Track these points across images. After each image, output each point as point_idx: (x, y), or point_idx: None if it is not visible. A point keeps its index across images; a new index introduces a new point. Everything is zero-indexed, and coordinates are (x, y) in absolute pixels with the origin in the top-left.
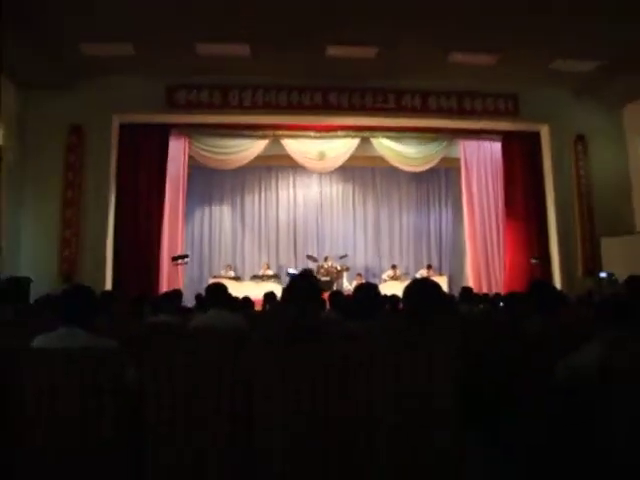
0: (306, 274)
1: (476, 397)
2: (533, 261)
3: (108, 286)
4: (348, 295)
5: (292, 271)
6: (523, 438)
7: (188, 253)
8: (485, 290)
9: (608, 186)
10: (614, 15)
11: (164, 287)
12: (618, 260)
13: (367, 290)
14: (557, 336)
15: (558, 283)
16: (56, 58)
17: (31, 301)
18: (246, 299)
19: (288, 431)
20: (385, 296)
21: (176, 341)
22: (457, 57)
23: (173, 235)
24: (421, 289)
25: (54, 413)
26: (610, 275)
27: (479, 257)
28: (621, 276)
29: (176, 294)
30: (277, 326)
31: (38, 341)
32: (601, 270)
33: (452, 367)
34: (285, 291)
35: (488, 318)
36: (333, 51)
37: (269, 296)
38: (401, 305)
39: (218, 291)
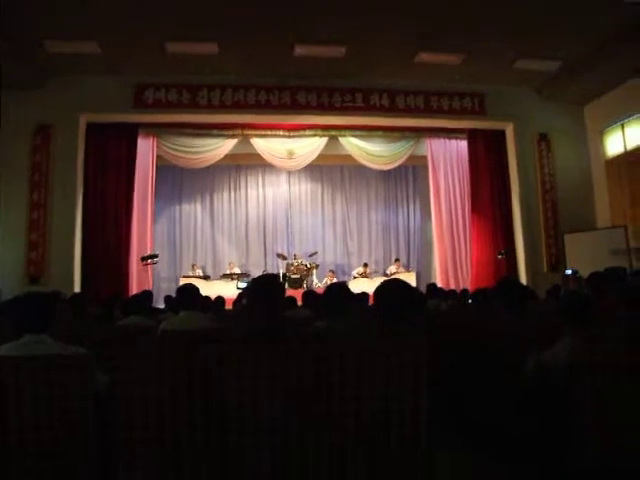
0: (266, 276)
1: (446, 395)
2: (499, 256)
3: (77, 288)
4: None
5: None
6: (493, 432)
7: (157, 253)
8: (453, 285)
9: (571, 183)
10: (575, 14)
11: (134, 287)
12: (581, 256)
13: (337, 290)
14: (524, 332)
15: (524, 278)
16: (20, 56)
17: None
18: (218, 298)
19: (260, 430)
20: (354, 294)
21: (146, 343)
22: (424, 57)
23: (142, 235)
24: (391, 290)
25: (23, 423)
26: (575, 272)
27: (447, 253)
28: (585, 271)
29: (146, 295)
30: (241, 326)
31: (3, 350)
32: (565, 266)
33: (421, 370)
34: (247, 293)
35: (457, 314)
36: (301, 50)
37: (240, 298)
38: (370, 302)
39: (189, 292)
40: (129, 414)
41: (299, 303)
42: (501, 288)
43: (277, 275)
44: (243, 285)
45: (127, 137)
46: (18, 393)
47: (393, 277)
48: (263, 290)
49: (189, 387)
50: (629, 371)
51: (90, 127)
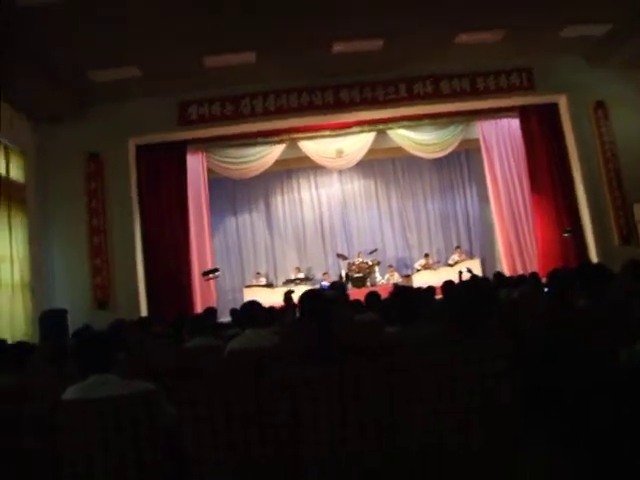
0: (315, 293)
1: (536, 393)
2: (565, 234)
3: (143, 309)
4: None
5: (325, 284)
6: (587, 431)
7: (218, 267)
8: (520, 268)
9: (633, 150)
10: None
11: (199, 303)
12: None
13: (404, 292)
14: (611, 320)
15: (594, 254)
16: (66, 88)
17: (71, 331)
18: (283, 308)
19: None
20: (422, 292)
21: (211, 375)
22: (463, 38)
23: (201, 250)
24: (467, 293)
25: (92, 468)
26: None
27: (510, 236)
28: None
29: (210, 313)
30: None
31: (69, 393)
32: (638, 237)
33: (505, 375)
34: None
35: (533, 304)
36: (339, 47)
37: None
38: (440, 297)
39: (252, 309)
40: (198, 448)
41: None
42: (582, 273)
43: (325, 289)
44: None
45: (176, 155)
46: (83, 437)
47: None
48: (311, 309)
49: (259, 414)
50: None
51: (139, 149)
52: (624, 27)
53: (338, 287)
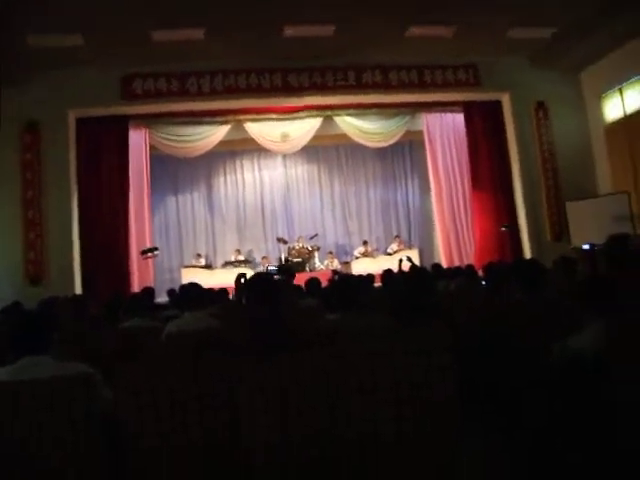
0: (265, 277)
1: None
2: (502, 229)
3: (77, 286)
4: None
5: (272, 268)
6: (522, 424)
7: (157, 246)
8: (457, 260)
9: (570, 151)
10: None
11: (136, 281)
12: (584, 223)
13: (345, 280)
14: (545, 314)
15: (527, 249)
16: (4, 52)
17: None
18: (222, 290)
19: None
20: (361, 282)
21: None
22: (415, 31)
23: (140, 228)
24: (407, 284)
25: (22, 452)
26: (593, 247)
27: (448, 228)
28: (587, 238)
29: (148, 293)
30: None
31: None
32: (569, 235)
33: (448, 368)
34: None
35: (469, 296)
36: (290, 31)
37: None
38: (379, 285)
39: (191, 292)
40: (136, 433)
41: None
42: (517, 268)
43: (274, 274)
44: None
45: (118, 130)
46: (15, 421)
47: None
48: (261, 294)
49: (198, 401)
50: None
51: (80, 122)
52: (568, 32)
53: (286, 271)
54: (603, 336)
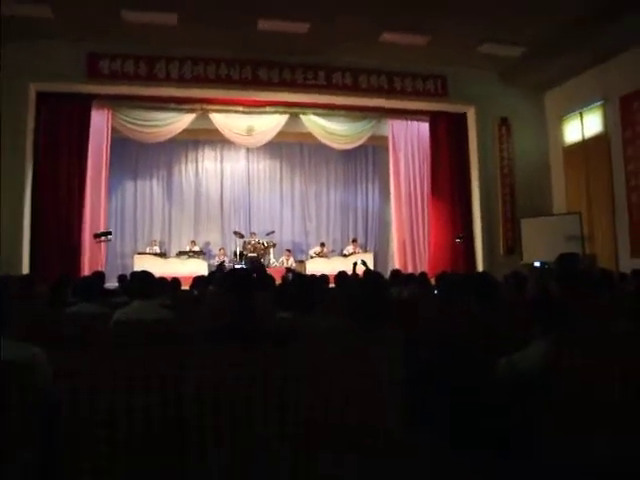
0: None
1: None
2: (457, 240)
3: (25, 266)
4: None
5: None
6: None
7: (111, 230)
8: (410, 267)
9: (529, 169)
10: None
11: (86, 265)
12: (537, 241)
13: (302, 280)
14: (496, 327)
15: (480, 262)
16: None
17: None
18: (174, 280)
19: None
20: (316, 280)
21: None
22: (388, 37)
23: (96, 210)
24: (364, 290)
25: None
26: (544, 265)
27: (405, 235)
28: (539, 256)
29: (99, 277)
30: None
31: None
32: (521, 250)
33: (397, 372)
34: (224, 281)
35: (423, 305)
36: (264, 25)
37: (199, 281)
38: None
39: (142, 280)
40: (76, 421)
41: None
42: (471, 280)
43: (251, 270)
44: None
45: (80, 108)
46: None
47: (357, 266)
48: (238, 285)
49: (146, 393)
50: (599, 374)
51: (41, 96)
52: (537, 52)
53: (257, 267)
54: (545, 354)
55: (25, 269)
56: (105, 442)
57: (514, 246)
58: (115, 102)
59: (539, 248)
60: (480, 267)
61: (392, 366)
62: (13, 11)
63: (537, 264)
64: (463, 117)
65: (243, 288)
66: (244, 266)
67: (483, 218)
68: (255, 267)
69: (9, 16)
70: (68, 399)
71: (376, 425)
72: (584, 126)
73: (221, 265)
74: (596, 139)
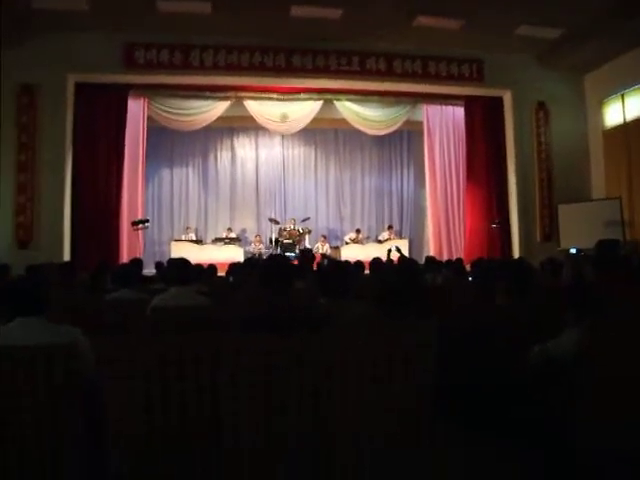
0: (283, 259)
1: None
2: (493, 226)
3: (66, 252)
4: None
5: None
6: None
7: (148, 218)
8: (446, 253)
9: (567, 153)
10: None
11: (124, 252)
12: (575, 227)
13: (339, 267)
14: (529, 316)
15: (517, 248)
16: (4, 12)
17: None
18: (210, 267)
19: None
20: (352, 268)
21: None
22: (423, 20)
23: (133, 198)
24: (399, 276)
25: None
26: (579, 251)
27: (440, 221)
28: (578, 242)
29: (136, 264)
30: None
31: None
32: (559, 237)
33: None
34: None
35: (456, 291)
36: (297, 11)
37: (235, 268)
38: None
39: (180, 267)
40: (117, 406)
41: None
42: (507, 268)
43: (287, 257)
44: (291, 255)
45: (117, 98)
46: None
47: (392, 253)
48: (276, 274)
49: (180, 379)
50: (633, 360)
51: (79, 87)
52: (576, 34)
53: (308, 256)
54: (578, 341)
55: (66, 257)
56: (144, 425)
57: (551, 232)
58: (151, 91)
59: (577, 234)
60: (516, 254)
61: (423, 353)
62: (49, 4)
63: (573, 251)
64: (499, 101)
65: (282, 277)
66: (290, 254)
67: (519, 204)
68: (306, 257)
69: (46, 10)
70: (109, 384)
71: (406, 413)
72: (625, 109)
73: (259, 255)
74: (638, 121)
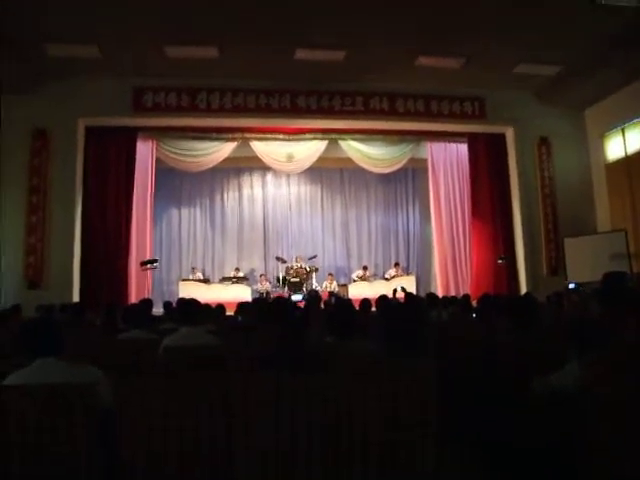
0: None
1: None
2: (499, 261)
3: (75, 292)
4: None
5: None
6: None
7: (157, 258)
8: (453, 289)
9: (571, 187)
10: (573, 23)
11: (133, 292)
12: (581, 260)
13: (344, 307)
14: (532, 349)
15: (524, 282)
16: (19, 59)
17: None
18: (219, 307)
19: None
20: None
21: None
22: (424, 60)
23: (141, 238)
24: (404, 314)
25: (25, 453)
26: (577, 286)
27: (447, 257)
28: (585, 276)
29: (146, 304)
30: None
31: (13, 377)
32: (565, 270)
33: (431, 396)
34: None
35: (461, 327)
36: (302, 54)
37: (243, 307)
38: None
39: (190, 307)
40: (134, 443)
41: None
42: (511, 305)
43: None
44: (299, 298)
45: (126, 141)
46: (23, 422)
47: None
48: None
49: (197, 418)
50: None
51: (89, 131)
52: (574, 70)
53: (314, 298)
54: (579, 376)
55: (75, 297)
56: (159, 459)
57: (558, 266)
58: (159, 133)
59: (584, 267)
60: (524, 288)
61: (425, 390)
62: (64, 52)
63: (572, 286)
64: (502, 137)
65: (289, 319)
66: (297, 296)
67: (525, 238)
68: (312, 298)
69: (59, 57)
70: (125, 421)
71: (408, 447)
72: (626, 142)
73: (266, 294)
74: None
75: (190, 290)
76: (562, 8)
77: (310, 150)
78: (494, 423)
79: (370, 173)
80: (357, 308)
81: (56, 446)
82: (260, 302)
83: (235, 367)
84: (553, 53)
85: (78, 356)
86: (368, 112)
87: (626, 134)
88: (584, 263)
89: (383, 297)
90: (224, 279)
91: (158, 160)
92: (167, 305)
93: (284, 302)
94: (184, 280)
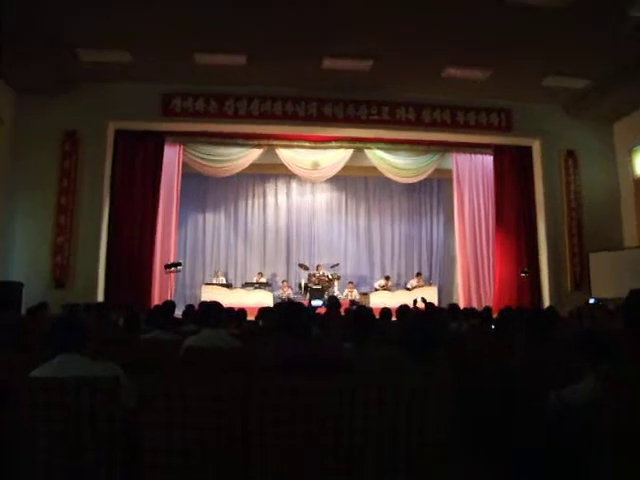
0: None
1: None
2: (522, 274)
3: (100, 293)
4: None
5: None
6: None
7: (181, 261)
8: (475, 301)
9: (597, 201)
10: (603, 37)
11: (156, 295)
12: (606, 275)
13: (365, 315)
14: (549, 363)
15: (547, 297)
16: (54, 64)
17: (24, 305)
18: (241, 311)
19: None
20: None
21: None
22: (451, 71)
23: (166, 242)
24: (422, 324)
25: (52, 445)
26: (598, 301)
27: (469, 269)
28: (610, 292)
29: (169, 307)
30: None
31: (37, 371)
32: (590, 286)
33: (445, 406)
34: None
35: (479, 340)
36: (329, 63)
37: (264, 312)
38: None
39: (212, 310)
40: (154, 440)
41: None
42: (532, 319)
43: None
44: (319, 303)
45: (154, 145)
46: (47, 415)
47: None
48: (294, 322)
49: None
50: None
51: (118, 134)
52: (603, 83)
53: (334, 304)
54: (593, 390)
55: (100, 297)
56: (179, 457)
57: (582, 281)
58: (186, 138)
59: (609, 283)
60: (547, 302)
61: (439, 399)
62: (96, 57)
63: (592, 301)
64: (528, 150)
65: (303, 328)
66: (317, 301)
67: (550, 252)
68: (333, 304)
69: (92, 62)
70: (148, 419)
71: (426, 450)
72: None
73: (288, 300)
74: None
75: (213, 294)
76: (591, 24)
77: (335, 158)
78: (509, 436)
79: (395, 182)
80: (378, 317)
81: (79, 437)
82: (280, 308)
83: (254, 369)
84: (581, 66)
85: (100, 353)
86: (394, 122)
87: None
88: (609, 279)
89: (404, 306)
90: (247, 284)
91: (184, 165)
92: (189, 308)
93: (297, 309)
94: (207, 284)
